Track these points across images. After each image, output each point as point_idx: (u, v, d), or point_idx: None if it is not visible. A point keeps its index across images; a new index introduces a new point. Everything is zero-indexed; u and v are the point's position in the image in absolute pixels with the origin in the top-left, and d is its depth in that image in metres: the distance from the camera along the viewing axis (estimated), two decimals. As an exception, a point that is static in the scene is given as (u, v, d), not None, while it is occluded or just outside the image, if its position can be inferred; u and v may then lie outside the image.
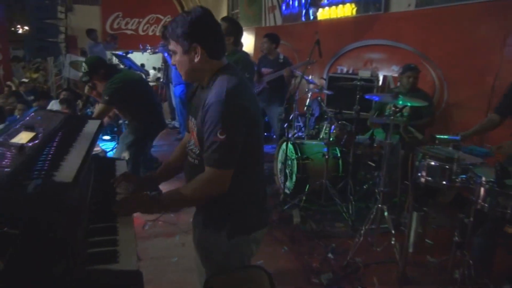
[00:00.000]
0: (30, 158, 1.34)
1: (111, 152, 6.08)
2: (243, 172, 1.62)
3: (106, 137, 7.01)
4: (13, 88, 7.97)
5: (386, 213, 3.22)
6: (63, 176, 1.25)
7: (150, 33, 13.36)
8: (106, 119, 3.89)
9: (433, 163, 2.50)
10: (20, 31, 11.15)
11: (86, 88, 3.72)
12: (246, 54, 3.64)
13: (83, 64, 3.62)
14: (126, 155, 3.83)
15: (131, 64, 6.23)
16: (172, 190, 1.60)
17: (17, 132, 1.61)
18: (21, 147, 1.41)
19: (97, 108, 3.60)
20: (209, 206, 1.67)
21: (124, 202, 1.58)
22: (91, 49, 8.60)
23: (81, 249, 1.27)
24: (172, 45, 1.59)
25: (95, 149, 2.96)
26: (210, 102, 1.51)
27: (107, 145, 6.39)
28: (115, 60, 7.69)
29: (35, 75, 11.29)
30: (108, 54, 9.08)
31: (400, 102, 3.09)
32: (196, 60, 1.57)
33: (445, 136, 2.59)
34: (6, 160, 1.26)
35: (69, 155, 1.49)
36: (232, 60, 3.19)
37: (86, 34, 8.71)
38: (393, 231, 3.17)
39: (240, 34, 3.35)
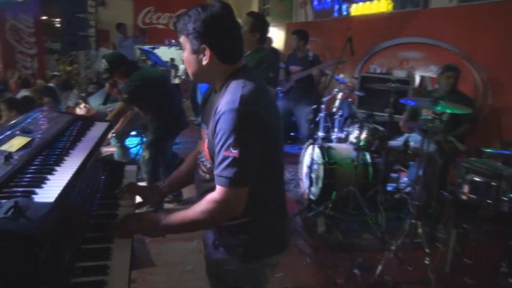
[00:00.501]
0: (12, 170, 1.18)
1: (134, 149, 6.02)
2: (260, 188, 1.42)
3: (132, 132, 6.96)
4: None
5: (420, 230, 2.94)
6: (45, 196, 1.08)
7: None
8: (118, 125, 3.73)
9: (478, 179, 2.21)
10: (59, 24, 11.36)
11: (107, 86, 3.62)
12: (271, 52, 3.43)
13: (103, 60, 3.51)
14: (146, 154, 3.73)
15: (157, 60, 6.13)
16: (179, 212, 1.41)
17: (11, 137, 1.46)
18: (7, 156, 1.26)
19: (116, 106, 3.49)
20: (221, 226, 1.48)
21: (123, 223, 1.41)
22: (120, 43, 8.60)
23: (63, 281, 1.10)
24: (182, 39, 1.41)
25: (108, 149, 2.83)
26: (222, 110, 1.31)
27: (131, 141, 6.34)
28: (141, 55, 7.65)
29: (69, 68, 11.45)
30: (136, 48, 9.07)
31: (440, 109, 2.78)
32: (204, 62, 1.38)
33: (493, 150, 2.29)
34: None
35: (62, 166, 1.32)
36: (256, 58, 2.99)
37: (116, 28, 8.71)
38: (427, 250, 2.88)
39: (266, 31, 3.14)
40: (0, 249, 0.88)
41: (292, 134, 6.38)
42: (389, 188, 4.30)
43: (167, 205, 3.97)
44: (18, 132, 1.52)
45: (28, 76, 8.57)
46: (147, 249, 3.29)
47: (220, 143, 1.30)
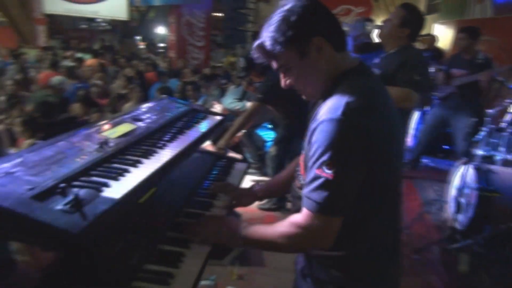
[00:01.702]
0: (98, 158, 1.17)
1: (270, 143, 6.07)
2: (361, 220, 1.15)
3: (270, 125, 7.05)
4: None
5: None
6: (115, 190, 1.02)
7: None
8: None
9: None
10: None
11: (244, 84, 3.66)
12: (418, 52, 2.92)
13: (241, 59, 3.55)
14: (273, 150, 3.67)
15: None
16: (260, 226, 1.24)
17: (119, 123, 1.49)
18: (103, 142, 1.26)
19: (250, 105, 3.49)
20: (310, 253, 1.26)
21: (202, 226, 1.29)
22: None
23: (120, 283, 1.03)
24: (281, 59, 1.15)
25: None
26: (321, 119, 1.07)
27: (268, 134, 6.41)
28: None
29: (232, 59, 12.33)
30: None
31: None
32: (320, 59, 1.12)
33: None
34: (73, 158, 1.11)
35: (150, 159, 1.27)
36: (401, 58, 2.56)
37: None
38: None
39: (419, 27, 2.66)
40: (43, 241, 0.84)
41: (444, 147, 5.55)
42: None
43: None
44: (128, 119, 1.54)
45: (196, 66, 9.49)
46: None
47: (313, 159, 1.06)
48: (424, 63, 2.78)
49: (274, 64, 1.18)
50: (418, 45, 6.07)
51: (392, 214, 1.24)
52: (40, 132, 3.37)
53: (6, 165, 1.01)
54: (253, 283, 2.87)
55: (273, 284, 2.85)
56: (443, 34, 7.96)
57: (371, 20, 4.91)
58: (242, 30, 7.81)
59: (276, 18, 1.14)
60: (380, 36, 2.85)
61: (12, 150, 3.41)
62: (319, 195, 1.05)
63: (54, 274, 1.06)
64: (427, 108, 5.43)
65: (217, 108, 4.13)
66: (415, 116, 5.56)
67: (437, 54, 5.93)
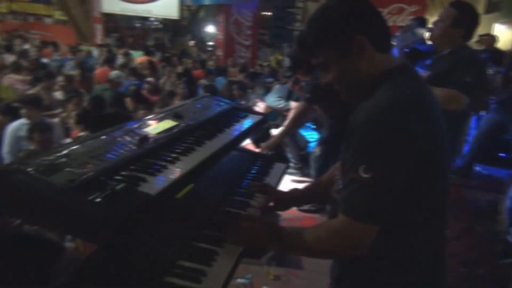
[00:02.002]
0: (138, 153, 1.20)
1: (313, 144, 5.99)
2: (402, 228, 1.10)
3: (313, 126, 6.94)
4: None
5: None
6: (152, 186, 1.04)
7: (390, 24, 12.61)
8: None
9: None
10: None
11: (290, 83, 3.64)
12: (473, 52, 2.73)
13: (286, 58, 3.52)
14: (317, 150, 3.61)
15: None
16: (297, 229, 1.20)
17: (161, 119, 1.53)
18: (143, 138, 1.29)
19: (297, 106, 3.45)
20: (345, 261, 1.22)
21: (237, 226, 1.28)
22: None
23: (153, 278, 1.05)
24: (321, 56, 1.13)
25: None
26: (359, 121, 1.03)
27: (311, 134, 6.32)
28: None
29: (279, 57, 12.31)
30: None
31: None
32: (362, 60, 1.09)
33: None
34: (111, 154, 1.15)
35: (188, 156, 1.29)
36: (453, 59, 2.42)
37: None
38: None
39: (473, 26, 2.50)
40: (80, 232, 0.87)
41: (500, 154, 5.21)
42: None
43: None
44: (170, 115, 1.57)
45: (243, 65, 9.58)
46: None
47: (350, 162, 1.03)
48: (479, 64, 2.61)
49: (315, 61, 1.15)
50: (476, 46, 5.73)
51: (436, 223, 1.17)
52: (92, 125, 3.54)
53: (52, 156, 1.06)
54: (289, 285, 2.84)
55: (310, 287, 2.81)
56: (504, 35, 7.47)
57: (422, 24, 4.67)
58: (290, 29, 7.77)
59: (319, 14, 1.12)
60: (431, 38, 2.71)
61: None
62: (356, 201, 1.02)
63: (94, 263, 1.10)
64: (483, 112, 5.13)
65: (260, 106, 4.13)
66: (470, 120, 5.27)
67: (496, 55, 5.56)
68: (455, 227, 3.52)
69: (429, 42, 3.80)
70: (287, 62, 3.50)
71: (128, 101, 4.91)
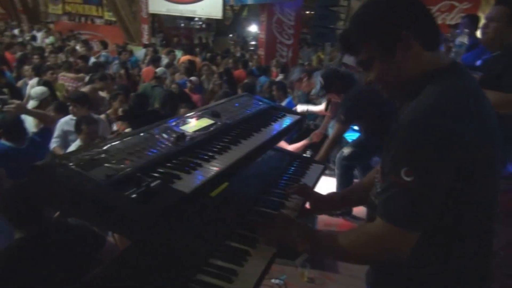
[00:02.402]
0: (174, 151, 1.21)
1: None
2: (445, 236, 1.05)
3: (356, 127, 6.79)
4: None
5: None
6: (186, 184, 1.05)
7: (439, 21, 12.08)
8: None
9: None
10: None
11: (324, 105, 3.64)
12: None
13: (320, 78, 3.51)
14: (346, 151, 3.51)
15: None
16: (332, 232, 1.18)
17: (199, 117, 1.54)
18: (180, 136, 1.31)
19: (334, 129, 3.41)
20: (382, 267, 1.17)
21: (271, 226, 1.27)
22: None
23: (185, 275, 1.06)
24: (364, 53, 1.09)
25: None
26: (403, 121, 0.99)
27: (352, 135, 6.18)
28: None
29: (322, 56, 12.12)
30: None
31: None
32: (407, 58, 1.04)
33: None
34: (148, 151, 1.17)
35: (223, 155, 1.29)
36: (505, 62, 2.28)
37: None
38: None
39: None
40: (116, 226, 0.89)
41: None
42: None
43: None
44: (207, 114, 1.59)
45: (284, 65, 9.54)
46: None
47: (391, 164, 0.99)
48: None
49: (356, 59, 1.12)
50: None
51: (483, 232, 1.10)
52: (134, 122, 3.66)
53: (92, 152, 1.09)
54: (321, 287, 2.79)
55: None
56: None
57: (475, 22, 4.42)
58: (333, 28, 7.64)
59: (363, 9, 1.09)
60: (484, 41, 2.56)
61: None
62: (395, 205, 0.98)
63: (128, 257, 1.13)
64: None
65: (298, 109, 4.10)
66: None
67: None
68: (504, 236, 3.31)
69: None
70: (321, 81, 3.47)
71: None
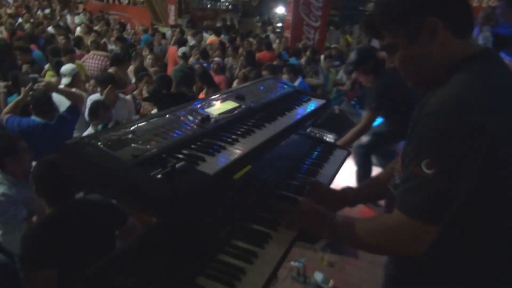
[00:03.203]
0: (199, 133, 1.23)
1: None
2: (468, 231, 1.02)
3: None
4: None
5: None
6: (210, 166, 1.07)
7: (475, 4, 11.54)
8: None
9: None
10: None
11: (347, 84, 3.55)
12: None
13: (353, 51, 3.40)
14: (365, 138, 3.46)
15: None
16: (350, 219, 1.16)
17: (224, 100, 1.55)
18: (205, 118, 1.32)
19: (364, 116, 3.31)
20: (400, 260, 1.16)
21: (290, 211, 1.27)
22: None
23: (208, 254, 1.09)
24: (389, 36, 1.05)
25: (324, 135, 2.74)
26: (426, 111, 0.96)
27: (376, 121, 6.09)
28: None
29: (350, 39, 11.85)
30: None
31: None
32: (434, 45, 0.99)
33: None
34: (174, 133, 1.19)
35: (247, 138, 1.29)
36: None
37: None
38: None
39: None
40: (141, 204, 0.92)
41: None
42: None
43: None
44: (232, 97, 1.59)
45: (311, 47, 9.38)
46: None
47: (412, 155, 0.96)
48: None
49: (380, 43, 1.09)
50: None
51: (508, 228, 1.05)
52: (159, 103, 3.70)
53: (120, 132, 1.12)
54: (342, 272, 2.81)
55: (363, 277, 2.76)
56: None
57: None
58: (362, 10, 7.45)
59: None
60: None
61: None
62: (414, 197, 0.95)
63: (152, 236, 1.16)
64: None
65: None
66: None
67: None
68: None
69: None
70: (353, 56, 3.37)
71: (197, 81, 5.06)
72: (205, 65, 6.27)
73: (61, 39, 6.75)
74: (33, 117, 3.04)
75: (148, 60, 6.24)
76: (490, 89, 0.94)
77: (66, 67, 4.16)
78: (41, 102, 3.06)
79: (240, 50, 7.70)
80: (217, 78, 5.61)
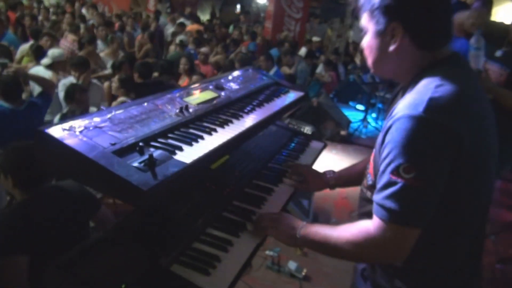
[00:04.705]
0: (176, 122, 1.23)
1: (355, 124, 5.87)
2: (440, 233, 1.05)
3: (360, 107, 6.83)
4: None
5: None
6: (187, 155, 1.07)
7: None
8: None
9: None
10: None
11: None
12: None
13: None
14: None
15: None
16: (323, 227, 1.14)
17: (203, 90, 1.55)
18: (183, 107, 1.32)
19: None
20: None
21: (261, 220, 1.25)
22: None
23: (183, 241, 1.10)
24: (364, 20, 1.10)
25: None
26: (398, 115, 0.97)
27: (354, 115, 6.21)
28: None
29: (330, 33, 11.92)
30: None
31: None
32: (392, 47, 1.04)
33: None
34: (152, 121, 1.19)
35: (225, 128, 1.30)
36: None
37: None
38: None
39: None
40: (117, 193, 0.92)
41: None
42: None
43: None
44: (211, 86, 1.59)
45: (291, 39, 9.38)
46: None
47: (387, 161, 0.97)
48: None
49: (361, 21, 1.13)
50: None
51: (475, 228, 1.10)
52: (133, 91, 3.65)
53: (97, 120, 1.11)
54: (315, 261, 2.88)
55: (335, 266, 2.82)
56: None
57: (488, 3, 4.30)
58: (343, 4, 7.50)
59: None
60: None
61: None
62: (395, 203, 0.95)
63: (128, 224, 1.16)
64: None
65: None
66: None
67: None
68: (497, 223, 3.37)
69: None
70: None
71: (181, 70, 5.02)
72: (192, 52, 6.24)
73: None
74: (1, 102, 2.94)
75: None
76: (456, 95, 0.96)
77: (54, 51, 4.10)
78: (9, 87, 2.96)
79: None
80: (204, 69, 5.57)
